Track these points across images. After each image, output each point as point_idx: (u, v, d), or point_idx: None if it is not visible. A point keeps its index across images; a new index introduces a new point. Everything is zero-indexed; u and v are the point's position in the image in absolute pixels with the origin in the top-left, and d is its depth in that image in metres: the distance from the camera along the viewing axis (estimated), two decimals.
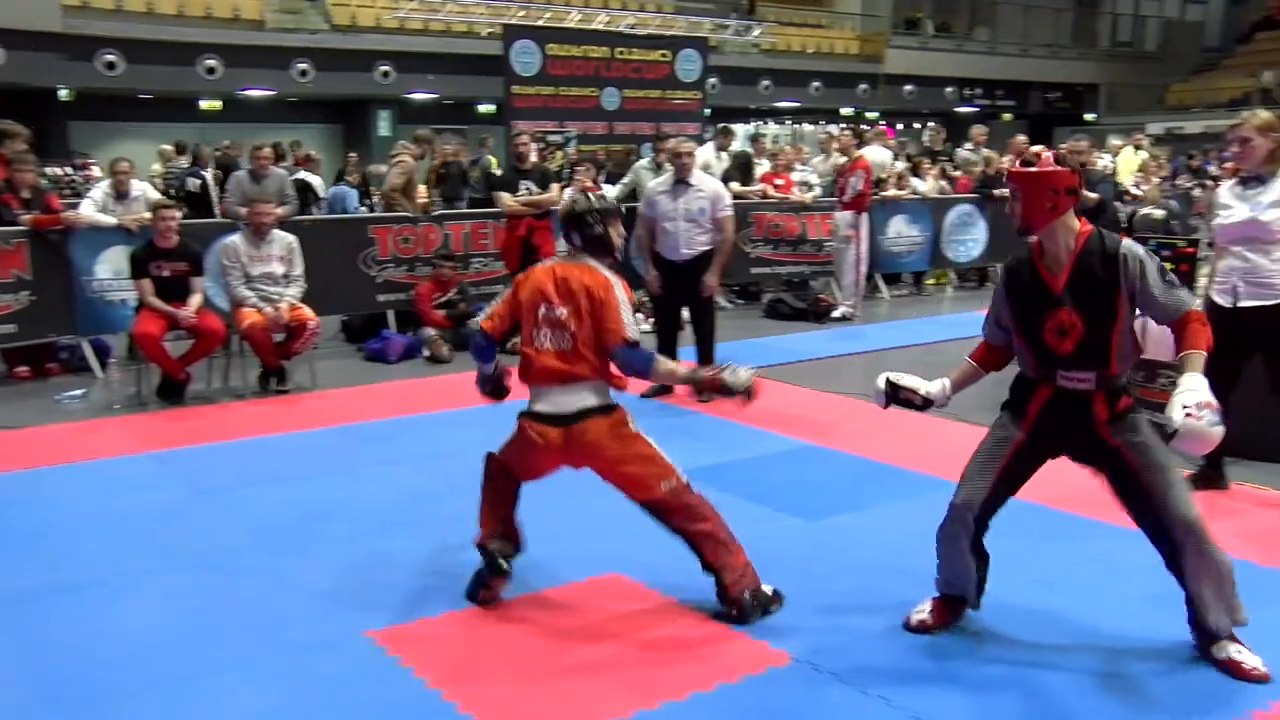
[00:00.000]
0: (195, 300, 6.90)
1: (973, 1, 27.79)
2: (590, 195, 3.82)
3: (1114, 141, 15.36)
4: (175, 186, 11.82)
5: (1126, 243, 3.13)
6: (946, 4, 27.84)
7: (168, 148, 14.56)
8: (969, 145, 13.41)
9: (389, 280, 8.86)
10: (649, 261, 6.83)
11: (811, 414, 6.37)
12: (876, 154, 11.50)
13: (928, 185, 12.12)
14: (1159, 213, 11.74)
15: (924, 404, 3.45)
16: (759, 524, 4.06)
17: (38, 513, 4.73)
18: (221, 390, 7.10)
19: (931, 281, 12.39)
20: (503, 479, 3.70)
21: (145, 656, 3.35)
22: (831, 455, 5.56)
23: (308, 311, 7.13)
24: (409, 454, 5.62)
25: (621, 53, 14.27)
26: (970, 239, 11.96)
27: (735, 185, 10.32)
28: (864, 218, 10.14)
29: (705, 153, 10.86)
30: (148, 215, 7.41)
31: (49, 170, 13.87)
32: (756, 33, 22.53)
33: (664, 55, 14.53)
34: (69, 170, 16.13)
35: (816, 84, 24.32)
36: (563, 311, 3.51)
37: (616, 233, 3.71)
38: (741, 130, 16.15)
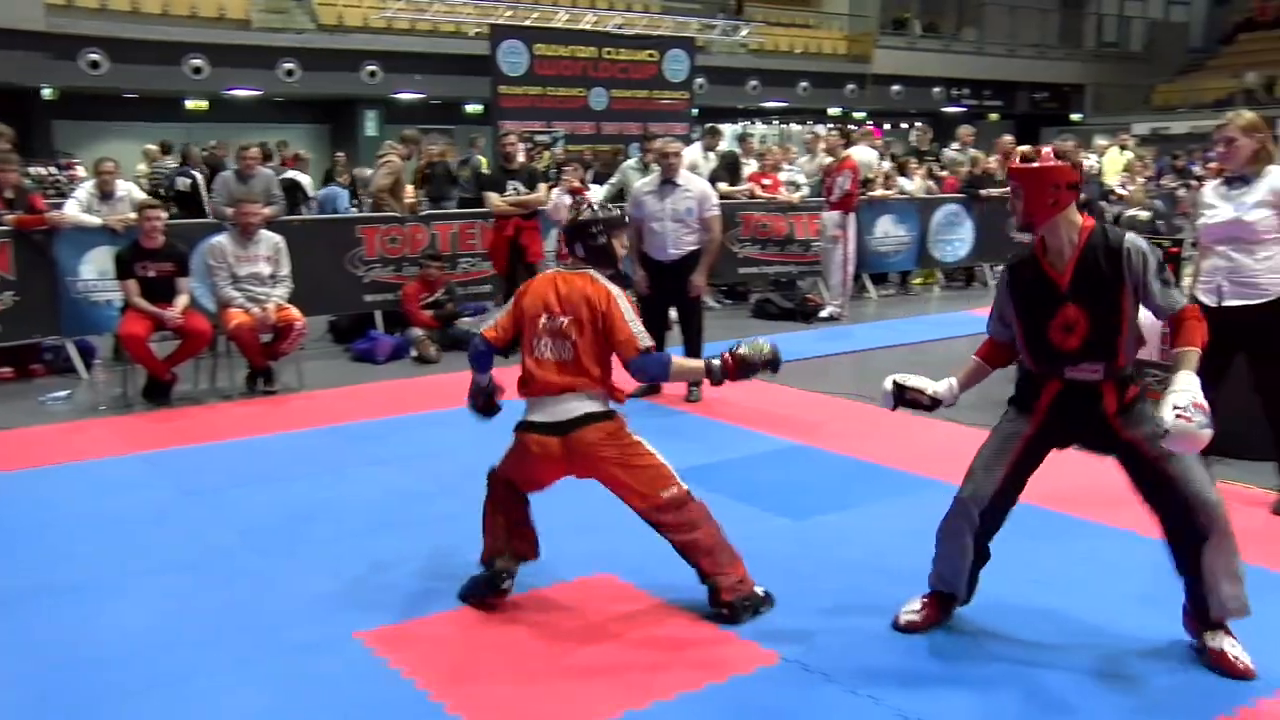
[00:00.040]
0: (181, 301, 6.87)
1: (960, 2, 27.90)
2: (596, 206, 3.81)
3: (1100, 141, 15.41)
4: (165, 186, 11.77)
5: (1130, 236, 3.15)
6: (934, 4, 27.95)
7: (153, 147, 14.48)
8: (956, 145, 13.46)
9: (376, 280, 8.84)
10: (636, 262, 6.83)
11: (799, 414, 6.38)
12: (862, 154, 11.53)
13: (915, 185, 12.16)
14: (1144, 213, 11.80)
15: (932, 404, 3.45)
16: (747, 524, 4.06)
17: (24, 514, 4.71)
18: (208, 391, 7.07)
19: (918, 281, 12.42)
20: (505, 491, 3.67)
21: (137, 658, 3.34)
22: (819, 455, 5.58)
23: (295, 312, 7.11)
24: (397, 454, 5.61)
25: (609, 53, 14.24)
26: (957, 239, 12.00)
27: (723, 185, 10.33)
28: (851, 218, 10.16)
29: (692, 153, 10.86)
30: (133, 215, 7.38)
31: (33, 170, 13.78)
32: (744, 33, 22.57)
33: (651, 55, 14.51)
34: (53, 170, 16.03)
35: (804, 84, 24.38)
36: (564, 321, 3.51)
37: (620, 244, 3.71)
38: (729, 130, 16.15)
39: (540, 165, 11.38)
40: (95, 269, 7.58)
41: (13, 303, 7.31)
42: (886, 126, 24.08)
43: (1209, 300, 4.60)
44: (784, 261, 10.93)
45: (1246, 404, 4.66)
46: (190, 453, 5.70)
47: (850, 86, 25.02)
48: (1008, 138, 12.86)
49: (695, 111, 15.64)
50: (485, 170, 10.65)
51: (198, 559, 4.17)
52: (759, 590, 3.58)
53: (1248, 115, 4.54)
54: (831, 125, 15.52)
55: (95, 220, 7.62)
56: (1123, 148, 14.41)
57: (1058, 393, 3.23)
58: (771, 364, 3.60)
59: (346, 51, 19.38)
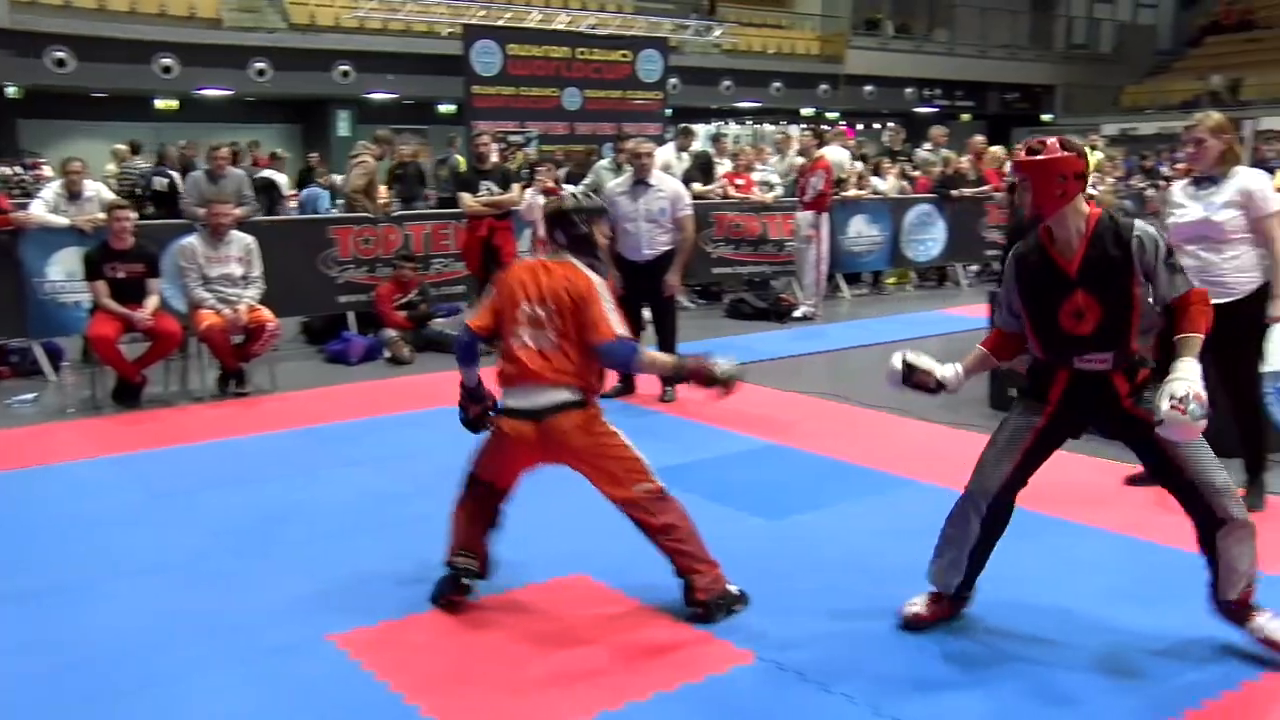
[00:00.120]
0: (151, 302, 6.81)
1: (931, 3, 28.06)
2: (578, 194, 3.81)
3: None
4: (142, 186, 11.64)
5: (1140, 224, 3.15)
6: (906, 6, 28.10)
7: (122, 147, 14.31)
8: (928, 145, 13.54)
9: (349, 281, 8.78)
10: (610, 262, 6.82)
11: (773, 413, 6.40)
12: (835, 154, 11.58)
13: (888, 185, 12.22)
14: None
15: (937, 388, 3.43)
16: (721, 523, 4.06)
17: None
18: (179, 393, 7.01)
19: (891, 281, 12.49)
20: (482, 493, 3.62)
21: (107, 662, 3.30)
22: (793, 454, 5.59)
23: (267, 313, 7.05)
24: (371, 455, 5.58)
25: (582, 53, 14.24)
26: (929, 238, 12.07)
27: (696, 185, 10.34)
28: (825, 217, 10.20)
29: (666, 153, 10.87)
30: (102, 216, 7.30)
31: None
32: (717, 33, 22.60)
33: (625, 55, 14.52)
34: (18, 170, 15.84)
35: (777, 84, 24.44)
36: (543, 311, 3.50)
37: (601, 233, 3.71)
38: (702, 130, 16.19)
39: (514, 165, 11.35)
40: (63, 270, 7.49)
41: None
42: (859, 127, 24.17)
43: None
44: (758, 261, 10.96)
45: (1214, 400, 4.71)
46: (161, 455, 5.65)
47: (823, 87, 25.12)
48: (979, 138, 12.97)
49: (669, 112, 15.64)
50: (463, 170, 10.62)
51: (169, 562, 4.13)
52: (733, 589, 3.58)
53: (1216, 117, 4.59)
54: (805, 125, 15.57)
55: (62, 220, 7.53)
56: (1093, 148, 14.50)
57: (1069, 382, 3.23)
58: (726, 387, 3.58)
59: (319, 51, 19.26)
